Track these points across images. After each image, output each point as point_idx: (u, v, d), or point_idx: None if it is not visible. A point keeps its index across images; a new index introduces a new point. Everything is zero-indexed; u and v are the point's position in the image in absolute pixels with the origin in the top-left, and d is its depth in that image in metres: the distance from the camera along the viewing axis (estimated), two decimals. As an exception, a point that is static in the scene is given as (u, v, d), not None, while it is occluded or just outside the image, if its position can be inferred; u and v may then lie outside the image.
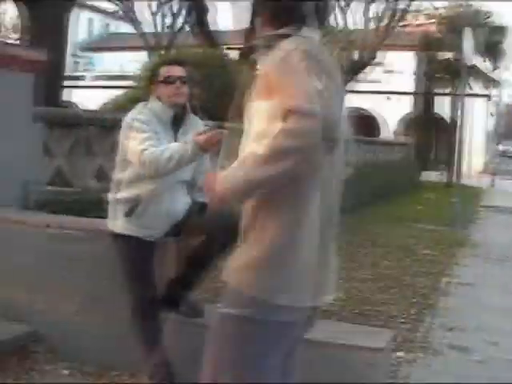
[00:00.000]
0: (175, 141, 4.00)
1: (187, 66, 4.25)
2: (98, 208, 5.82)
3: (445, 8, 32.99)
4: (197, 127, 4.21)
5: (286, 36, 2.44)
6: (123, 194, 3.99)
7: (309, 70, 2.29)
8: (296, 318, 2.36)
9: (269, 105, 2.32)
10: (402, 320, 6.14)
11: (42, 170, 5.72)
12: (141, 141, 3.79)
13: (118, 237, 4.07)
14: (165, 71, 4.04)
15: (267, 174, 2.20)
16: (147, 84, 4.24)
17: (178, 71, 4.06)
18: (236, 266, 2.40)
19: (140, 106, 4.07)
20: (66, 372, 4.33)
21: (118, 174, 4.05)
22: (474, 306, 6.98)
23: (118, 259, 4.12)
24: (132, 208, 3.96)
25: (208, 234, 4.21)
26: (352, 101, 38.16)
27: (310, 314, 2.48)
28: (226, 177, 2.30)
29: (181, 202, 4.14)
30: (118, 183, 4.04)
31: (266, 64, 2.41)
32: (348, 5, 24.41)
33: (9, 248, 4.61)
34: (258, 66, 2.53)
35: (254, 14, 14.20)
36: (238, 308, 2.33)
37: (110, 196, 4.12)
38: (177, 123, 4.06)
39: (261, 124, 2.36)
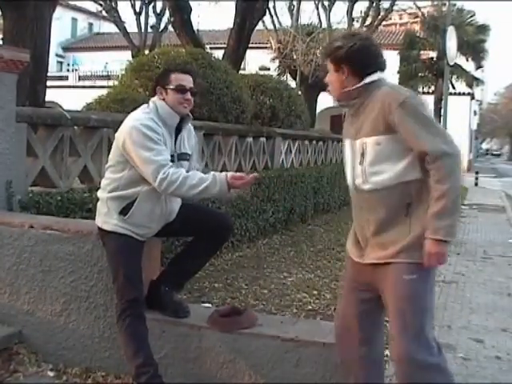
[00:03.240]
0: (174, 146, 4.00)
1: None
2: (82, 209, 5.81)
3: (428, 7, 33.17)
4: (191, 135, 4.21)
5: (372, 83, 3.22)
6: (118, 193, 3.96)
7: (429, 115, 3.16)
8: None
9: (392, 139, 3.10)
10: (387, 319, 6.14)
11: (25, 170, 5.69)
12: (157, 152, 3.77)
13: (108, 235, 4.04)
14: (178, 79, 4.00)
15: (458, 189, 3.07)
16: (153, 86, 4.16)
17: (189, 81, 4.04)
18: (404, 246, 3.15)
19: (144, 108, 4.02)
20: (50, 373, 4.31)
21: (115, 174, 3.99)
22: (458, 304, 7.01)
23: (107, 257, 4.10)
24: (127, 206, 3.94)
25: (197, 234, 4.22)
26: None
27: None
28: (445, 232, 3.03)
29: (174, 203, 4.14)
30: (114, 183, 3.98)
31: (386, 104, 3.09)
32: (332, 4, 24.47)
33: (-8, 249, 4.58)
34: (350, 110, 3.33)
35: (239, 14, 14.20)
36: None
37: (102, 194, 4.09)
38: (178, 129, 4.05)
39: (378, 155, 3.15)
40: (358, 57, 3.20)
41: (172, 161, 3.89)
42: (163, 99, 3.99)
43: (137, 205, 3.93)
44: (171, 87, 3.98)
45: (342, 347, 3.50)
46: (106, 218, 4.03)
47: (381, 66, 3.27)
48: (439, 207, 3.00)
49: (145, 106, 4.05)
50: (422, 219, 3.10)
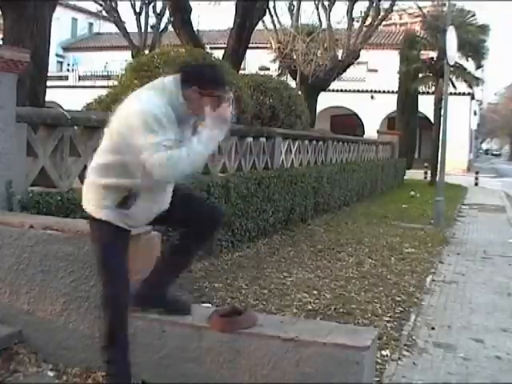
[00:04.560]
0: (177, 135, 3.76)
1: None
2: (82, 209, 5.80)
3: (428, 7, 33.17)
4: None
5: None
6: (113, 180, 3.81)
7: None
8: None
9: None
10: (387, 318, 6.16)
11: (25, 170, 5.68)
12: (158, 143, 3.55)
13: (97, 222, 3.92)
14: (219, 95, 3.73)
15: None
16: (184, 76, 3.78)
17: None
18: None
19: (159, 92, 3.74)
20: (50, 373, 4.31)
21: (109, 156, 3.83)
22: (458, 303, 7.01)
23: (95, 245, 4.00)
24: (125, 199, 3.81)
25: (187, 222, 4.10)
26: (336, 100, 38.31)
27: None
28: None
29: (169, 195, 4.04)
30: (107, 167, 3.84)
31: None
32: (332, 4, 24.48)
33: (-8, 249, 4.58)
34: None
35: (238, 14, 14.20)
36: None
37: (94, 179, 3.95)
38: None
39: None
40: None
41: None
42: (191, 99, 3.74)
43: (136, 199, 3.86)
44: (204, 94, 3.71)
45: None
46: (98, 205, 3.93)
47: None
48: None
49: (159, 90, 3.76)
50: None
